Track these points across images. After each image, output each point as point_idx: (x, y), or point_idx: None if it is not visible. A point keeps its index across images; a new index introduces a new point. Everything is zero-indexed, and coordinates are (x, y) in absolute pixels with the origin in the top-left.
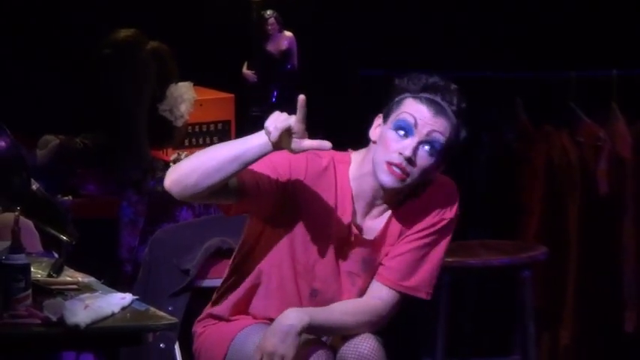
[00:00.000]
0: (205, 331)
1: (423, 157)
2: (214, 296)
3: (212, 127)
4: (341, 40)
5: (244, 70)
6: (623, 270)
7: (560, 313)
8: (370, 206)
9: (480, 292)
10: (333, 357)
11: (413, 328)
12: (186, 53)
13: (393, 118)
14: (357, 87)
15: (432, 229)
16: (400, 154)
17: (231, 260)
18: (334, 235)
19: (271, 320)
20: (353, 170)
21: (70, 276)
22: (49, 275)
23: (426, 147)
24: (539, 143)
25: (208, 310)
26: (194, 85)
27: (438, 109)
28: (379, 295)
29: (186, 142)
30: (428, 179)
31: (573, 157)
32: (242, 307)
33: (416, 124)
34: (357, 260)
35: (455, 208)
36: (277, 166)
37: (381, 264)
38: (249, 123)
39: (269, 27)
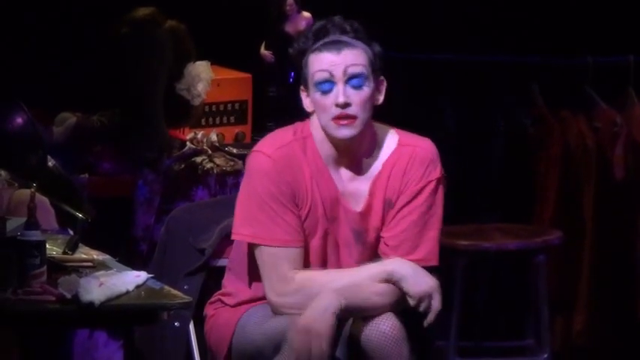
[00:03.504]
0: (215, 313)
1: (356, 93)
2: (224, 282)
3: (229, 106)
4: (358, 21)
5: (262, 50)
6: (638, 256)
7: (575, 298)
8: (339, 164)
9: (494, 276)
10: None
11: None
12: (203, 32)
13: (310, 83)
14: None
15: (422, 196)
16: (336, 105)
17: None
18: (325, 209)
19: None
20: (315, 138)
21: (85, 253)
22: (64, 252)
23: (352, 83)
24: (556, 129)
25: (219, 294)
26: (211, 64)
27: (338, 46)
28: None
29: (203, 122)
30: (376, 105)
31: (590, 142)
32: (250, 295)
33: (330, 74)
34: (349, 230)
35: (439, 167)
36: (278, 197)
37: (385, 244)
38: (266, 103)
39: (287, 7)
